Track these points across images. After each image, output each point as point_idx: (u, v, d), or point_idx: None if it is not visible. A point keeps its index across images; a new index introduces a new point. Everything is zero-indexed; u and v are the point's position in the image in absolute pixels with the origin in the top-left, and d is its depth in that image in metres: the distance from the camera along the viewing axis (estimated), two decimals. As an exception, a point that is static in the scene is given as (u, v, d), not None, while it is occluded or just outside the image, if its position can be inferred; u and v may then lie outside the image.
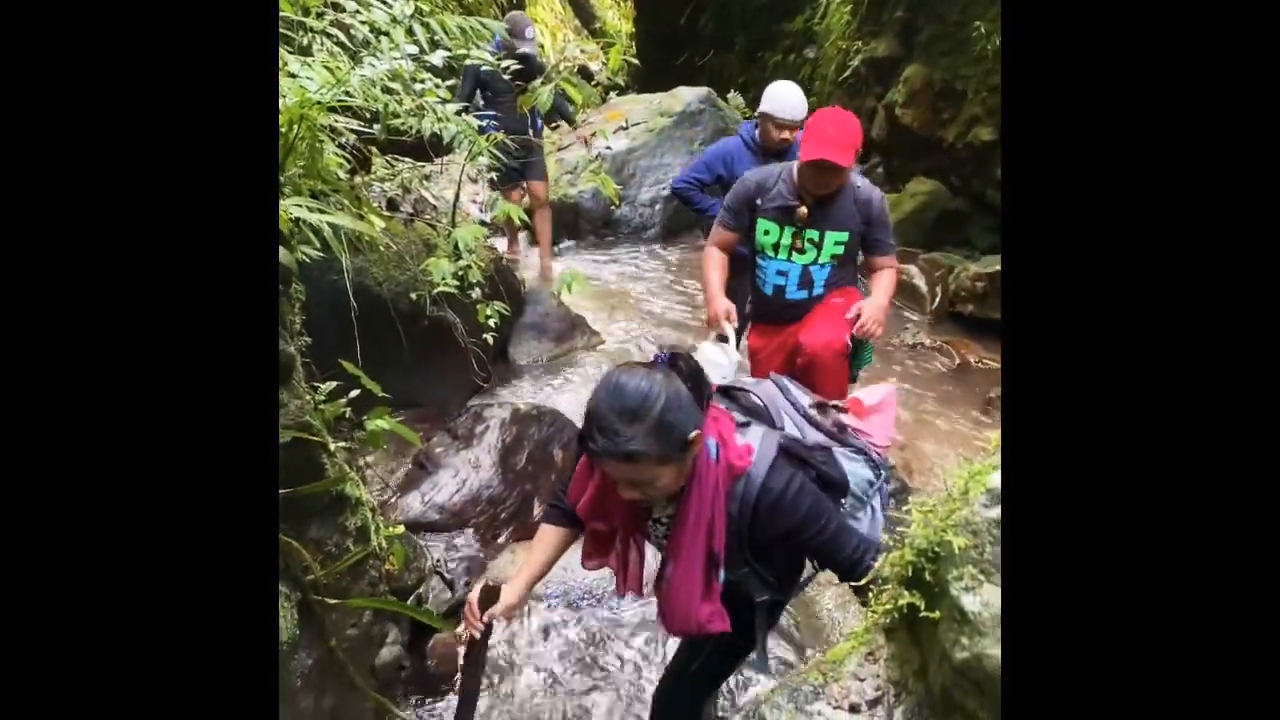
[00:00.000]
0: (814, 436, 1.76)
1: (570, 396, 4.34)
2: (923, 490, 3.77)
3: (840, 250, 3.13)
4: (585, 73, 17.16)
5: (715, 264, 3.33)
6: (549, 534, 1.89)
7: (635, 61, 7.38)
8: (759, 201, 3.16)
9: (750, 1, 9.29)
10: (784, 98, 3.79)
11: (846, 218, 3.10)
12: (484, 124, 5.20)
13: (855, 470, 1.75)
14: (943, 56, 6.14)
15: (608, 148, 6.91)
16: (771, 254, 3.19)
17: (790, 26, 8.57)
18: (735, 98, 8.03)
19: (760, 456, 1.57)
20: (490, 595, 1.78)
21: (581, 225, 6.73)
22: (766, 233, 3.16)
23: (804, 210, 3.06)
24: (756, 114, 3.94)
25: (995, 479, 0.82)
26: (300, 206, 1.87)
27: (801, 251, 3.14)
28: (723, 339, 3.10)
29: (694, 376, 1.52)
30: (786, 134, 3.74)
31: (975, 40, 5.68)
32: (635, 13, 14.06)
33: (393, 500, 3.23)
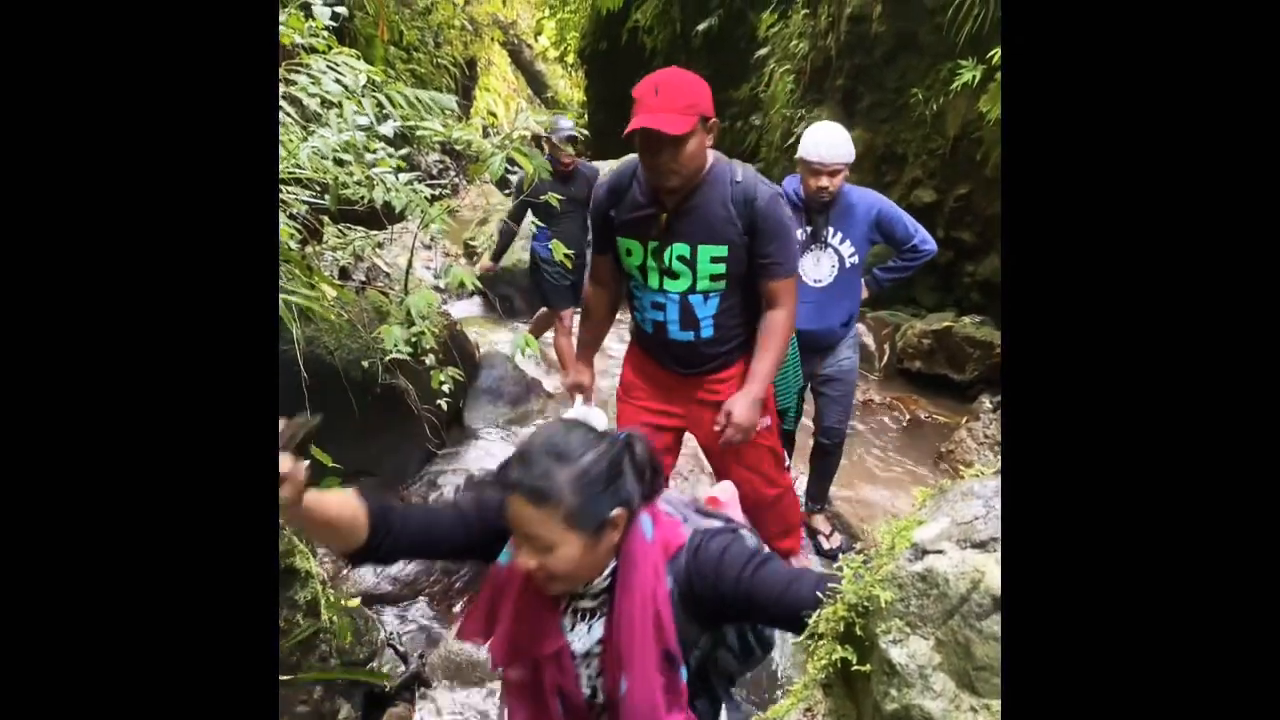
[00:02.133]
0: (715, 523, 1.56)
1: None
2: (873, 546, 3.80)
3: (721, 270, 2.31)
4: (539, 141, 17.37)
5: (589, 313, 2.68)
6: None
7: (585, 131, 7.53)
8: (613, 214, 2.39)
9: (698, 71, 9.53)
10: (816, 136, 3.12)
11: (720, 223, 2.27)
12: (540, 241, 5.06)
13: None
14: (883, 123, 6.36)
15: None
16: (641, 280, 2.41)
17: (736, 95, 8.82)
18: (685, 163, 8.21)
19: (687, 529, 1.43)
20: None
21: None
22: (629, 253, 2.39)
23: (663, 217, 2.28)
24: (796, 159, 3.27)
25: (919, 533, 0.85)
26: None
27: (674, 276, 2.34)
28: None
29: (644, 466, 1.37)
30: (825, 180, 3.07)
31: (913, 106, 5.91)
32: (586, 82, 14.37)
33: (345, 572, 3.18)
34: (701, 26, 9.04)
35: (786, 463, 2.70)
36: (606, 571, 1.36)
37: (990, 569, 0.77)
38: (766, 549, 1.44)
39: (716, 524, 1.53)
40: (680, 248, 2.30)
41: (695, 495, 1.89)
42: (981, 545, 0.81)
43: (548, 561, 1.27)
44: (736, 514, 1.79)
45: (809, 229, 3.26)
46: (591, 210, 2.50)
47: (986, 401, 5.18)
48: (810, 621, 0.91)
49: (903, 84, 6.12)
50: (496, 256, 5.46)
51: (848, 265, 3.31)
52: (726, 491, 1.85)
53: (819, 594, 1.19)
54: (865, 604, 0.84)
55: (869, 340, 5.94)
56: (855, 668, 0.83)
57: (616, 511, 1.30)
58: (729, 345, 2.46)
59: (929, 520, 0.87)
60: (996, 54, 4.91)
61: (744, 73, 8.74)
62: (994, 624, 0.74)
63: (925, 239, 3.35)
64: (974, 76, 5.11)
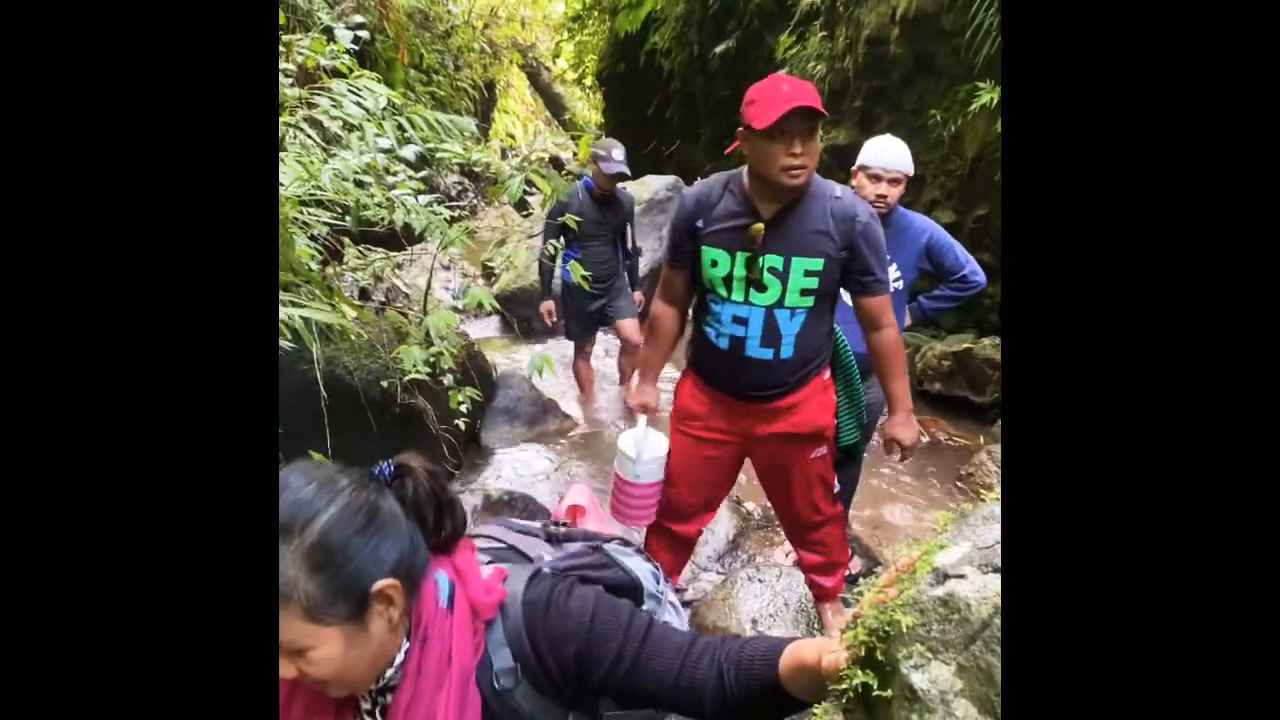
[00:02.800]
0: (572, 549, 1.30)
1: (543, 480, 4.34)
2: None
3: (814, 285, 2.28)
4: (557, 163, 17.58)
5: (657, 330, 2.63)
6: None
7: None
8: (700, 224, 2.36)
9: (715, 93, 9.59)
10: (878, 145, 3.10)
11: (817, 237, 2.26)
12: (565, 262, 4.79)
13: (637, 565, 1.34)
14: (901, 143, 6.37)
15: (578, 234, 7.02)
16: (724, 293, 2.35)
17: (754, 116, 8.83)
18: (703, 184, 8.23)
19: (515, 576, 1.10)
20: None
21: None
22: (714, 264, 2.34)
23: (759, 226, 2.25)
24: (853, 171, 3.18)
25: (941, 558, 0.85)
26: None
27: (762, 288, 2.30)
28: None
29: (425, 503, 1.06)
30: (884, 187, 3.00)
31: (931, 128, 5.91)
32: (604, 104, 14.46)
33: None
34: (719, 49, 9.08)
35: (835, 488, 2.70)
36: (399, 658, 1.03)
37: (1013, 594, 0.77)
38: (644, 610, 1.19)
39: (575, 550, 1.28)
40: (773, 259, 2.27)
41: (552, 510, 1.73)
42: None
43: (305, 668, 0.95)
44: (600, 523, 1.58)
45: None
46: (674, 221, 2.46)
47: (1006, 423, 5.14)
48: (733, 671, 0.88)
49: (920, 105, 6.13)
50: (547, 288, 5.25)
51: (891, 290, 3.25)
52: (582, 495, 1.69)
53: (724, 672, 1.03)
54: (886, 629, 0.83)
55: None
56: (876, 693, 0.82)
57: (382, 584, 0.97)
58: (804, 369, 2.42)
59: (950, 544, 0.87)
60: (1015, 75, 4.91)
61: (761, 95, 8.75)
62: (1017, 650, 0.74)
63: (975, 270, 3.28)
64: (992, 99, 5.11)
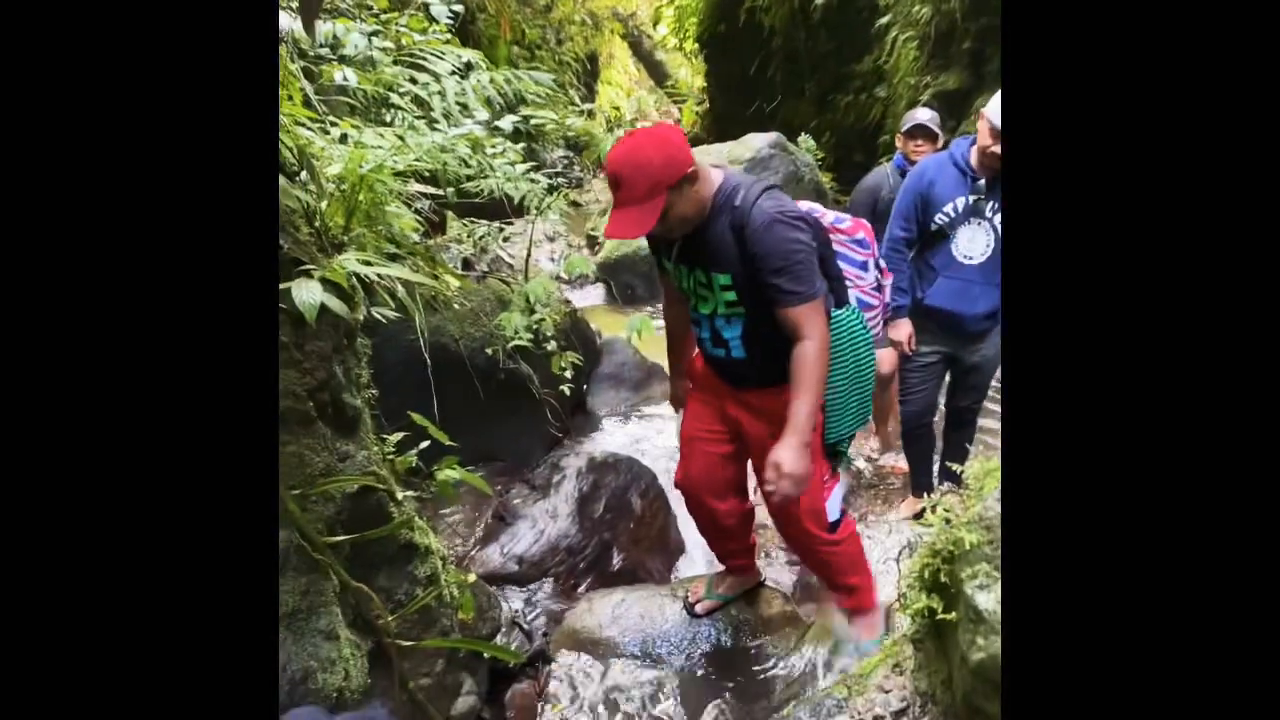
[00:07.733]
0: None
1: (649, 443, 4.34)
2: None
3: (734, 298, 2.24)
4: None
5: (669, 332, 2.74)
6: None
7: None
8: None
9: (817, 47, 9.34)
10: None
11: (723, 251, 2.18)
12: None
13: None
14: (1014, 83, 6.04)
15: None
16: (691, 300, 2.40)
17: (859, 68, 8.57)
18: (806, 139, 8.02)
19: None
20: None
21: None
22: (666, 270, 2.46)
23: (675, 244, 2.31)
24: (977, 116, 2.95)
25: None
26: (357, 262, 1.94)
27: (704, 298, 2.32)
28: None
29: None
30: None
31: (1047, 64, 5.58)
32: (706, 67, 14.27)
33: (473, 553, 3.27)
34: (820, 0, 8.81)
35: (832, 518, 2.49)
36: None
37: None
38: None
39: None
40: (699, 273, 2.28)
41: None
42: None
43: None
44: None
45: (970, 199, 3.01)
46: None
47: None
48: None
49: (1034, 41, 5.79)
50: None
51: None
52: None
53: None
54: (951, 549, 0.78)
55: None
56: (941, 617, 0.77)
57: None
58: (767, 364, 2.29)
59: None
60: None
61: (865, 44, 8.48)
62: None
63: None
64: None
